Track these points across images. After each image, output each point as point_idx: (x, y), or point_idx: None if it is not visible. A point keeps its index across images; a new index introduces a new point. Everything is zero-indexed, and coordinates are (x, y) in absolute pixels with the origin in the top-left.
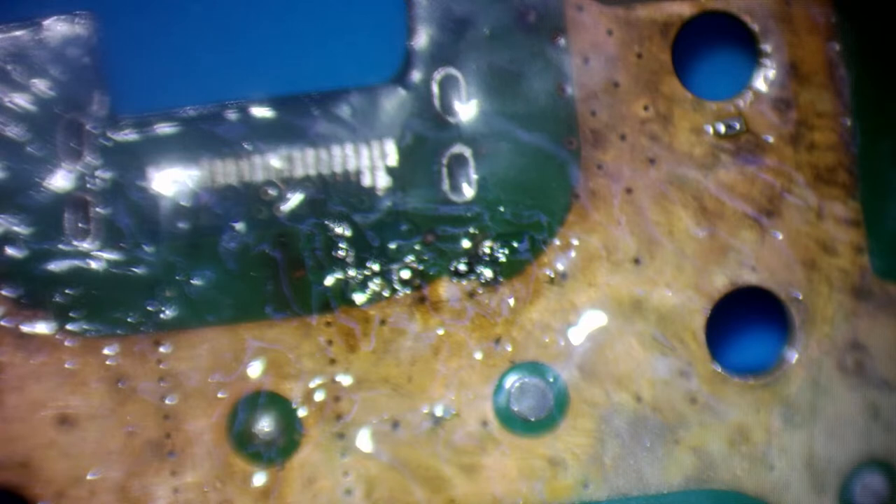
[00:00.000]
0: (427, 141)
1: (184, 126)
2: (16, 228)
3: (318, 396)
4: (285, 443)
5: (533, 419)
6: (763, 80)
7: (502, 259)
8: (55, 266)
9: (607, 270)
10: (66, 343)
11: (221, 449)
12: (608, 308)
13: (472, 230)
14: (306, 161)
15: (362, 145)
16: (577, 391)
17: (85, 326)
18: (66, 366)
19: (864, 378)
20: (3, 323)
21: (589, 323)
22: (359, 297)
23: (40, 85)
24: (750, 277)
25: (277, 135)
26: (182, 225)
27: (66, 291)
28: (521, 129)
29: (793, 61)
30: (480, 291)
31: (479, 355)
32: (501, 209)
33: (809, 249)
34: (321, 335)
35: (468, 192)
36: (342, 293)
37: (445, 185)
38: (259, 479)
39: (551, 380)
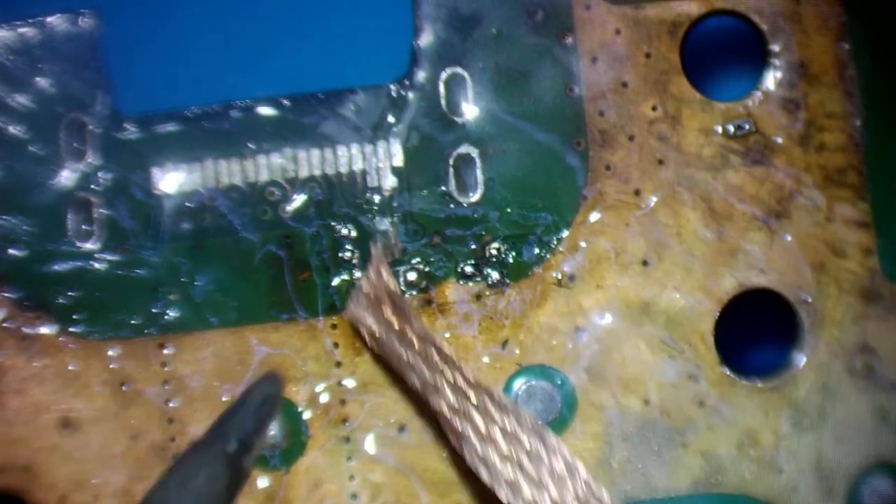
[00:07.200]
0: (434, 141)
1: (188, 125)
2: (18, 229)
3: (324, 399)
4: (290, 446)
5: (540, 423)
6: (772, 80)
7: (509, 261)
8: (58, 267)
9: (615, 272)
10: (69, 345)
11: None
12: (616, 310)
13: (479, 232)
14: (312, 161)
15: (368, 145)
16: (584, 394)
17: (88, 329)
18: (69, 368)
19: (873, 381)
20: (5, 325)
21: (597, 325)
22: None
23: (43, 83)
24: (759, 280)
25: (282, 134)
26: (186, 226)
27: (69, 293)
28: (528, 130)
29: (802, 61)
30: (487, 293)
31: (486, 358)
32: (509, 210)
33: (818, 251)
34: (327, 337)
35: (475, 193)
36: (348, 295)
37: (452, 186)
38: (264, 482)
39: (559, 383)
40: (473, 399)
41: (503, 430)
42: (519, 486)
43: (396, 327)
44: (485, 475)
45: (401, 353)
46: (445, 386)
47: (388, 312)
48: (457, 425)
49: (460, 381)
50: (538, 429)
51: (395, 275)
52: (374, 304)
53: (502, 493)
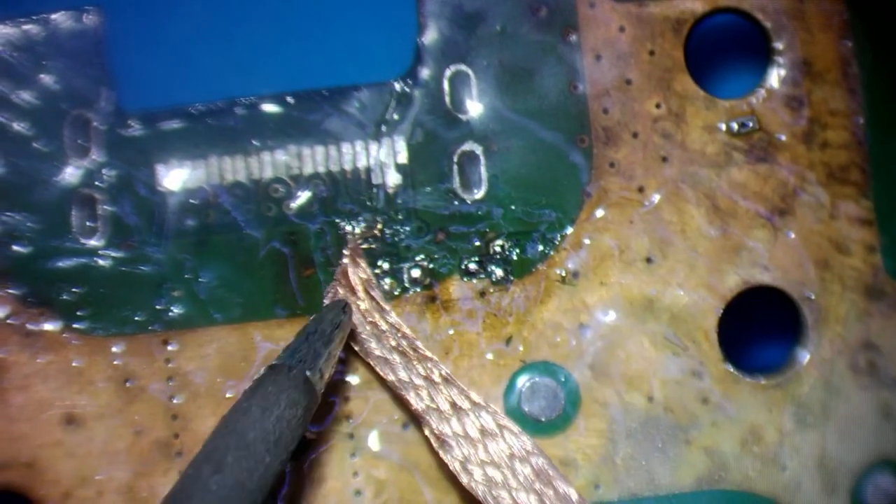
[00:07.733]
0: (438, 138)
1: (192, 122)
2: (22, 225)
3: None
4: None
5: (544, 420)
6: (776, 77)
7: (513, 258)
8: (62, 264)
9: (619, 269)
10: (73, 342)
11: None
12: (620, 307)
13: (483, 229)
14: (316, 158)
15: (372, 142)
16: (588, 391)
17: (92, 325)
18: (73, 365)
19: (877, 378)
20: (9, 321)
21: (601, 322)
22: None
23: (47, 80)
24: (762, 277)
25: (286, 131)
26: (190, 222)
27: (73, 289)
28: (532, 127)
29: (806, 59)
30: (492, 290)
31: (490, 355)
32: (513, 207)
33: (822, 249)
34: None
35: (479, 190)
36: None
37: (456, 183)
38: None
39: (563, 380)
40: (450, 397)
41: (482, 431)
42: (498, 490)
43: (370, 319)
44: (464, 478)
45: (374, 346)
46: (422, 382)
47: (363, 305)
48: (434, 425)
49: (436, 378)
50: (517, 430)
51: (399, 272)
52: (349, 295)
53: (481, 496)
